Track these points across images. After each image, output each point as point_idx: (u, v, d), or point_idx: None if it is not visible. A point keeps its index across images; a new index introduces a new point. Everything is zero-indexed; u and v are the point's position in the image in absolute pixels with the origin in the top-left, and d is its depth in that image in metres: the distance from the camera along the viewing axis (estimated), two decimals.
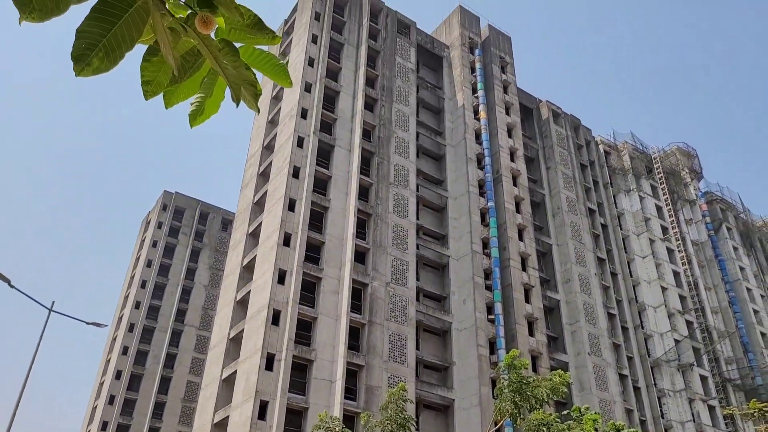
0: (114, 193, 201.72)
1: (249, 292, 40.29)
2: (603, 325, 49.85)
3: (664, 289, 59.23)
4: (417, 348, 39.93)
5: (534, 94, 63.16)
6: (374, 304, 38.44)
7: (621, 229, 61.73)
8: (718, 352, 59.27)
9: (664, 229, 64.91)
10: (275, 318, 36.30)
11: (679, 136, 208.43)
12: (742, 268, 68.97)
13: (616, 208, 62.97)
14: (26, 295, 25.19)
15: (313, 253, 39.90)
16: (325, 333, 36.81)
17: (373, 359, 36.51)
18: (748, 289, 67.45)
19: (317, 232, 40.54)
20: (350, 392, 35.22)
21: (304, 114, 45.06)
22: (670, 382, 53.45)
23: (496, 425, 23.17)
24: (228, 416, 36.02)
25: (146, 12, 2.11)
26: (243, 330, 38.75)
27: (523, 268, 46.36)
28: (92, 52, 2.12)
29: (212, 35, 2.28)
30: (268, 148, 48.33)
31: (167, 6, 2.23)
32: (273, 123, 49.50)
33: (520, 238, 47.87)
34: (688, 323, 58.77)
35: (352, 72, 49.29)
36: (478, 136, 51.62)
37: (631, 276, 58.75)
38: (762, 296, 69.13)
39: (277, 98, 50.86)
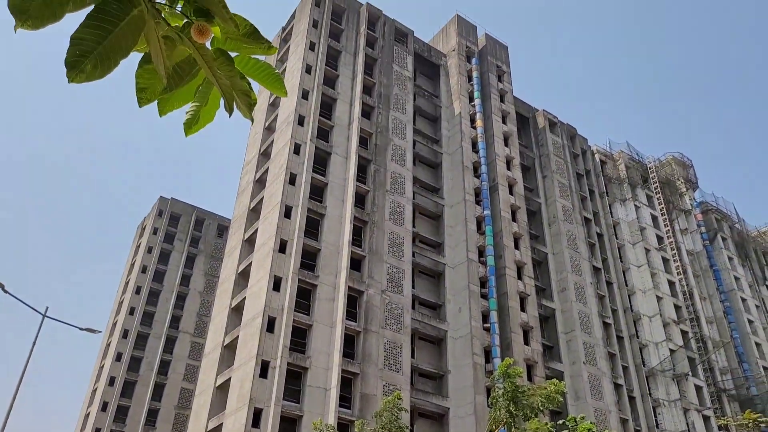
0: (109, 198, 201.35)
1: (244, 298, 40.17)
2: (598, 334, 49.84)
3: (659, 298, 59.30)
4: (412, 356, 39.83)
5: (531, 103, 63.44)
6: (370, 312, 38.37)
7: (617, 238, 61.84)
8: (713, 362, 59.30)
9: (660, 239, 65.06)
10: (270, 325, 36.18)
11: (675, 146, 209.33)
12: (737, 278, 69.16)
13: (612, 217, 63.12)
14: (20, 300, 25.07)
15: (309, 260, 39.84)
16: (320, 340, 36.70)
17: (368, 367, 36.39)
18: (743, 299, 67.60)
19: (313, 239, 40.50)
20: (345, 400, 35.08)
21: (301, 121, 45.11)
22: (665, 392, 53.41)
23: None
24: (222, 423, 35.82)
25: (142, 21, 2.12)
26: (238, 337, 38.60)
27: (519, 277, 46.37)
28: (86, 59, 2.12)
29: (208, 44, 2.28)
30: (265, 155, 48.34)
31: (163, 15, 2.23)
32: (270, 130, 49.54)
33: (516, 246, 47.91)
34: (683, 333, 58.81)
35: (350, 79, 49.40)
36: (474, 145, 51.74)
37: (627, 285, 58.81)
38: (757, 306, 69.28)
39: (274, 105, 50.91)
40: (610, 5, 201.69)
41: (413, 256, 43.64)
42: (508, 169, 52.28)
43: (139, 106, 2.38)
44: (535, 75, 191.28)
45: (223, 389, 37.98)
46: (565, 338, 48.61)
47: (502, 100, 56.55)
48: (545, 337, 48.39)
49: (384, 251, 41.33)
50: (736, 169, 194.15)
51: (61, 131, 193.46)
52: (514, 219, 49.40)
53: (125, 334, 70.24)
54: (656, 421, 51.24)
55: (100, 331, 30.97)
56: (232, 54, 2.36)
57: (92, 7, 2.11)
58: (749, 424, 39.64)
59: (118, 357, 68.70)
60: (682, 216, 70.47)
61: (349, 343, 37.12)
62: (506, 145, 53.72)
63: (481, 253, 45.89)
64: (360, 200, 43.09)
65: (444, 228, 47.12)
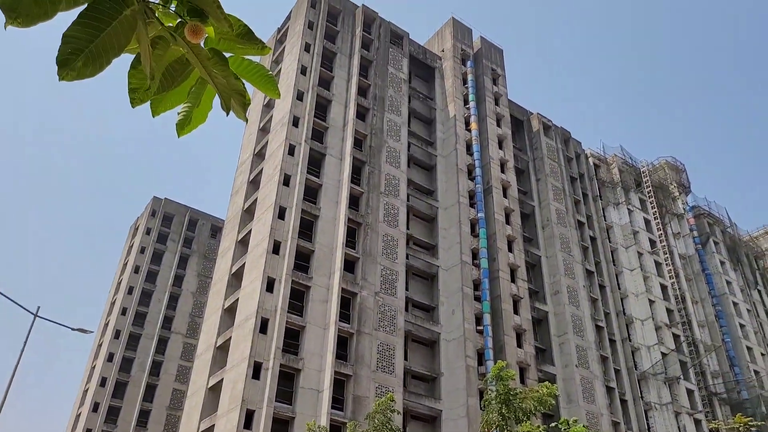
0: (103, 198, 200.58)
1: (237, 299, 40.07)
2: (591, 337, 49.98)
3: (651, 302, 59.54)
4: (405, 358, 39.81)
5: (525, 107, 63.60)
6: (363, 314, 38.34)
7: (610, 241, 62.07)
8: (704, 365, 59.57)
9: (652, 243, 65.34)
10: (263, 326, 36.10)
11: (668, 150, 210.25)
12: (728, 283, 69.54)
13: (605, 220, 63.34)
14: (11, 299, 24.92)
15: (303, 261, 39.79)
16: (313, 342, 36.64)
17: (361, 369, 36.36)
18: (735, 304, 67.97)
19: (307, 241, 40.45)
20: (337, 402, 35.03)
21: (295, 122, 45.07)
22: (657, 396, 53.60)
23: None
24: (214, 425, 35.70)
25: (135, 20, 2.10)
26: (230, 338, 38.49)
27: (512, 280, 46.45)
28: (77, 57, 2.10)
29: (201, 44, 2.27)
30: (259, 156, 48.27)
31: (157, 14, 2.21)
32: (264, 131, 49.47)
33: (510, 249, 47.99)
34: (675, 336, 59.06)
35: (345, 81, 49.41)
36: (468, 147, 51.84)
37: (619, 289, 59.02)
38: (748, 310, 69.66)
39: (268, 106, 50.86)
40: (605, 10, 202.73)
41: (407, 258, 43.65)
42: (503, 172, 52.39)
43: (132, 107, 2.36)
44: (530, 78, 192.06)
45: (215, 390, 37.85)
46: (557, 341, 48.72)
47: (496, 103, 56.68)
48: (538, 339, 48.48)
49: (378, 253, 41.32)
50: (729, 173, 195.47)
51: (54, 130, 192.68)
52: (507, 222, 49.49)
53: (117, 335, 69.95)
54: (648, 424, 51.41)
55: (92, 332, 30.81)
56: (226, 54, 2.34)
57: (85, 5, 2.09)
58: (740, 428, 39.80)
59: (110, 357, 68.39)
60: (674, 220, 70.81)
61: (342, 345, 37.08)
62: (500, 148, 53.84)
63: (475, 255, 45.95)
64: (354, 202, 43.08)
65: (438, 230, 47.15)
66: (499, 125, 55.26)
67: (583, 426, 25.69)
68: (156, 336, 70.32)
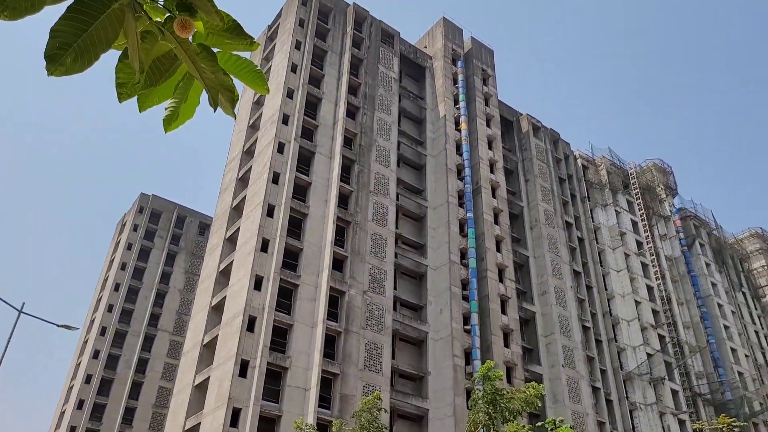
0: (90, 194, 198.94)
1: (225, 297, 39.91)
2: (577, 337, 50.26)
3: (637, 303, 59.98)
4: (393, 357, 39.85)
5: (515, 107, 63.83)
6: (351, 312, 38.32)
7: (597, 242, 62.46)
8: (689, 366, 60.10)
9: (639, 244, 65.82)
10: (250, 324, 35.98)
11: (658, 150, 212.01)
12: (713, 284, 70.21)
13: (593, 222, 63.74)
14: None
15: (291, 259, 39.69)
16: (300, 340, 36.58)
17: (349, 368, 36.34)
18: (719, 305, 68.64)
19: (295, 239, 40.36)
20: (324, 401, 34.98)
21: (285, 120, 44.94)
22: (642, 396, 54.01)
23: None
24: (200, 423, 35.55)
25: (123, 14, 2.09)
26: (217, 336, 38.33)
27: (500, 280, 46.61)
28: (66, 52, 2.09)
29: (190, 39, 2.26)
30: (248, 153, 48.09)
31: (144, 8, 2.20)
32: (254, 128, 49.30)
33: (498, 249, 48.16)
34: (661, 337, 59.54)
35: (335, 79, 49.34)
36: (458, 147, 51.96)
37: (606, 289, 59.40)
38: (733, 312, 70.37)
39: (258, 103, 50.68)
40: (594, 12, 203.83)
41: (395, 257, 43.68)
42: (492, 172, 52.55)
43: (119, 101, 2.35)
44: (520, 79, 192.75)
45: (201, 388, 37.68)
46: (544, 341, 48.96)
47: (486, 104, 56.84)
48: (525, 339, 48.69)
49: (366, 252, 41.31)
50: (715, 176, 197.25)
51: (41, 125, 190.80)
52: (496, 222, 49.67)
53: (103, 332, 69.45)
54: (633, 424, 51.79)
55: (78, 328, 30.57)
56: (214, 50, 2.34)
57: None
58: (723, 429, 40.24)
59: (96, 354, 67.89)
60: (661, 222, 71.38)
61: (330, 344, 37.04)
62: (490, 148, 54.00)
63: (463, 255, 46.07)
64: (343, 200, 43.03)
65: (427, 230, 47.22)
66: (488, 126, 55.42)
67: (569, 426, 25.85)
68: (142, 333, 69.90)
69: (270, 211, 40.54)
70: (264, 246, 39.01)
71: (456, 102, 54.69)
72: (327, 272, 38.54)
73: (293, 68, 47.78)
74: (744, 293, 76.46)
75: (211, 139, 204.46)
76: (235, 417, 33.13)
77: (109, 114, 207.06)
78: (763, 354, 71.42)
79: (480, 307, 43.60)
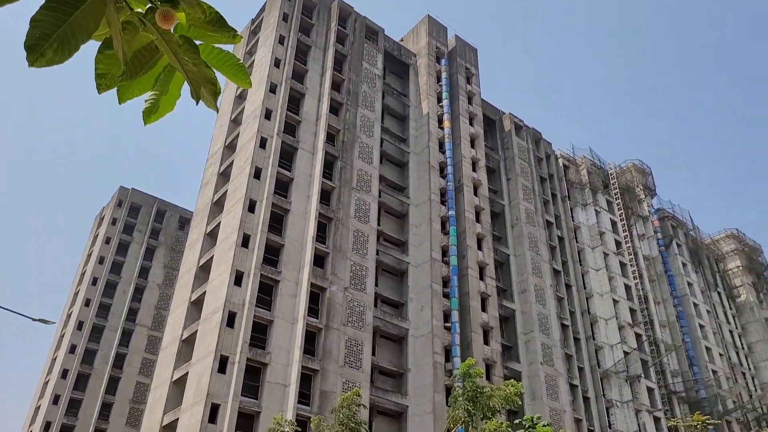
0: (67, 186, 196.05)
1: (204, 292, 39.64)
2: (556, 335, 50.76)
3: (615, 302, 60.74)
4: (373, 354, 39.91)
5: (498, 106, 64.14)
6: (332, 309, 38.29)
7: (577, 242, 63.08)
8: (664, 364, 61.02)
9: (618, 244, 66.62)
10: (230, 320, 35.79)
11: (643, 152, 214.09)
12: (690, 284, 71.33)
13: (573, 221, 64.36)
14: None
15: (272, 255, 39.54)
16: (280, 336, 36.47)
17: (329, 364, 36.33)
18: (695, 305, 69.77)
19: (277, 235, 40.20)
20: (304, 397, 34.94)
21: (268, 115, 44.71)
22: (618, 393, 54.74)
23: None
24: (177, 419, 35.29)
25: (104, 4, 2.07)
26: (196, 331, 38.07)
27: (481, 277, 46.88)
28: (46, 43, 2.06)
29: (172, 31, 2.24)
30: (230, 148, 47.76)
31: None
32: (236, 122, 48.96)
33: (479, 247, 48.42)
34: (637, 336, 60.36)
35: (319, 75, 49.17)
36: (441, 145, 52.10)
37: (585, 288, 60.05)
38: (708, 312, 71.55)
39: (241, 97, 50.35)
40: (587, 11, 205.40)
41: (377, 254, 43.71)
42: (474, 170, 52.80)
43: (98, 93, 2.32)
44: (503, 78, 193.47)
45: (179, 384, 37.41)
46: (523, 339, 49.37)
47: (469, 102, 57.06)
48: (505, 337, 49.06)
49: (348, 248, 41.29)
50: (692, 177, 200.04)
51: (19, 116, 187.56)
52: (477, 220, 49.92)
53: (80, 326, 68.57)
54: (609, 421, 52.48)
55: (54, 322, 30.11)
56: (196, 42, 2.32)
57: None
58: (698, 426, 40.99)
59: (72, 349, 67.03)
60: (639, 222, 72.30)
61: (310, 340, 36.99)
62: (472, 146, 54.24)
63: (445, 252, 46.26)
64: (325, 197, 42.95)
65: (408, 227, 47.32)
66: (471, 124, 55.64)
67: (547, 423, 26.11)
68: (120, 328, 69.16)
69: (251, 207, 40.33)
70: (245, 241, 38.81)
71: (439, 100, 54.83)
72: (308, 268, 38.46)
73: (276, 63, 47.53)
74: (719, 293, 77.78)
75: (193, 133, 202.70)
76: (213, 413, 32.95)
77: (87, 105, 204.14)
78: (737, 353, 72.79)
79: (460, 304, 43.83)
